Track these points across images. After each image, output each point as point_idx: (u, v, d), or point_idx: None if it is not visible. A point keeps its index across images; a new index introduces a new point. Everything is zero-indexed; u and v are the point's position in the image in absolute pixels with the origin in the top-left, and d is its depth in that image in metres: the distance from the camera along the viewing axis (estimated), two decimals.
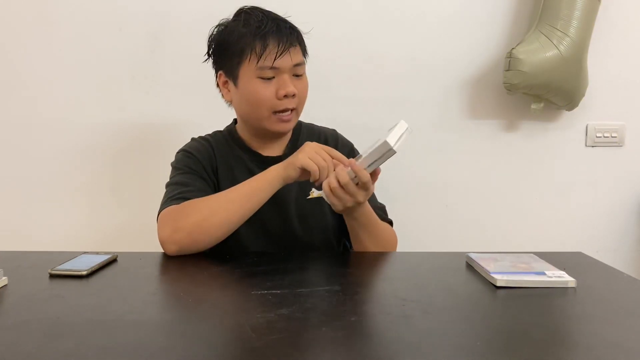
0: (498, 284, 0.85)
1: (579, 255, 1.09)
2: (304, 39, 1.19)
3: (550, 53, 1.61)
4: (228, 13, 1.19)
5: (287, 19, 1.18)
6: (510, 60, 1.64)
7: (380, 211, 1.21)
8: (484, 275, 0.91)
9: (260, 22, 1.12)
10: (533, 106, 1.73)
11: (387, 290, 0.90)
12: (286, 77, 1.11)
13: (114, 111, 1.76)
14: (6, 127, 1.77)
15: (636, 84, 1.80)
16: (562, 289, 0.85)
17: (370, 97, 1.78)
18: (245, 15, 1.15)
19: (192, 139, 1.25)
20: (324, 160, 1.02)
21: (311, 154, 1.02)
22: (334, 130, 1.30)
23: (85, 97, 1.76)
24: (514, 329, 0.71)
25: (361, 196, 1.01)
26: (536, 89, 1.67)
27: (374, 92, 1.78)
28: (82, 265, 0.94)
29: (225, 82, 1.18)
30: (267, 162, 1.14)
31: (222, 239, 1.06)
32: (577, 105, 1.74)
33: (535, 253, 1.02)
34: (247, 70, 1.12)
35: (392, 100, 1.78)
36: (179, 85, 1.75)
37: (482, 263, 0.93)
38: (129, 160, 1.78)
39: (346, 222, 1.12)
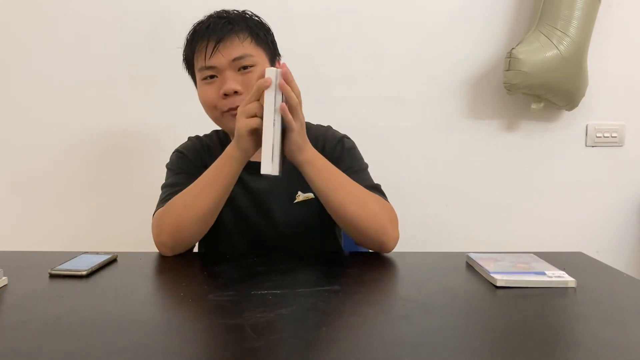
0: (498, 284, 0.85)
1: (579, 255, 1.09)
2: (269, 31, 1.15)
3: (550, 53, 1.61)
4: None
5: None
6: (510, 60, 1.64)
7: (372, 189, 1.11)
8: (484, 275, 0.91)
9: (197, 26, 1.12)
10: (533, 106, 1.73)
11: (387, 290, 0.90)
12: (227, 74, 1.07)
13: (113, 111, 1.76)
14: (6, 127, 1.77)
15: (636, 84, 1.80)
16: (562, 289, 0.85)
17: (370, 97, 1.78)
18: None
19: (189, 138, 1.26)
20: (257, 108, 0.94)
21: (246, 112, 0.95)
22: (327, 127, 1.25)
23: (85, 97, 1.76)
24: (514, 329, 0.71)
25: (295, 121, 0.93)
26: (536, 89, 1.67)
27: (374, 92, 1.78)
28: (82, 265, 0.94)
29: None
30: (254, 167, 1.11)
31: (206, 230, 1.06)
32: (577, 105, 1.74)
33: (535, 253, 1.02)
34: (197, 76, 1.13)
35: (392, 100, 1.78)
36: (178, 85, 1.74)
37: (482, 263, 0.93)
38: (129, 160, 1.78)
39: (308, 180, 1.01)
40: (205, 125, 1.31)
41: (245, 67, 1.09)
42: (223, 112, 1.09)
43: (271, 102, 0.92)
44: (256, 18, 1.15)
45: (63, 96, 1.76)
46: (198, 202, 1.02)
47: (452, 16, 1.76)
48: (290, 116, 0.93)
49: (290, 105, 0.93)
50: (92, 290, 0.86)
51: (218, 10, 1.15)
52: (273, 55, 1.16)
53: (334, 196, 1.01)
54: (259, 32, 1.12)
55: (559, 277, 0.87)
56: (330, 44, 1.74)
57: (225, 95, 1.07)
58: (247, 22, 1.12)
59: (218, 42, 1.07)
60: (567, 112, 1.80)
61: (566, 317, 0.77)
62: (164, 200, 1.10)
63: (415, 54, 1.77)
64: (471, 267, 0.97)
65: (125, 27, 1.73)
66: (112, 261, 1.00)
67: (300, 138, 0.96)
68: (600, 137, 1.82)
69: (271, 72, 0.92)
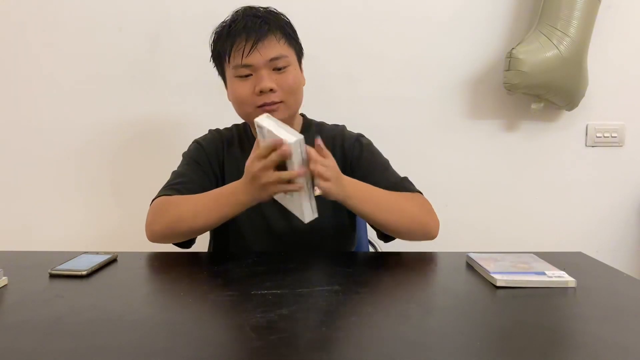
0: (498, 284, 0.85)
1: (579, 255, 1.09)
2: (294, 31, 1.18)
3: (550, 53, 1.61)
4: (228, 13, 1.19)
5: (287, 14, 1.18)
6: (510, 60, 1.64)
7: (401, 185, 1.16)
8: (484, 275, 0.91)
9: (232, 22, 1.13)
10: (533, 106, 1.73)
11: (387, 290, 0.90)
12: (263, 72, 1.10)
13: (114, 111, 1.76)
14: (6, 127, 1.77)
15: (636, 84, 1.80)
16: (562, 289, 0.85)
17: (370, 97, 1.78)
18: (230, 17, 1.16)
19: (209, 130, 1.28)
20: (277, 177, 0.93)
21: (265, 185, 0.94)
22: (342, 127, 1.29)
23: (85, 97, 1.76)
24: (514, 329, 0.71)
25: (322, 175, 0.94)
26: (536, 89, 1.67)
27: (374, 92, 1.78)
28: (82, 265, 0.94)
29: (226, 86, 1.21)
30: None
31: (194, 237, 1.12)
32: (577, 105, 1.74)
33: (535, 253, 1.02)
34: (229, 71, 1.15)
35: (392, 100, 1.78)
36: (178, 85, 1.75)
37: (482, 263, 0.93)
38: (129, 160, 1.78)
39: (354, 211, 1.05)
40: (206, 125, 1.31)
41: (279, 68, 1.12)
42: (256, 107, 1.11)
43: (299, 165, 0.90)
44: (284, 17, 1.17)
45: (63, 96, 1.76)
46: (196, 219, 1.05)
47: (452, 16, 1.76)
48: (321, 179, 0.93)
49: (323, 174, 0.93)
50: (92, 290, 0.86)
51: (245, 6, 1.16)
52: (300, 53, 1.20)
53: (378, 215, 1.07)
54: (290, 31, 1.16)
55: (559, 277, 0.87)
56: (331, 44, 1.74)
57: (261, 92, 1.10)
58: (279, 21, 1.15)
59: (257, 41, 1.09)
60: (567, 112, 1.79)
61: (566, 317, 0.77)
62: (166, 187, 1.14)
63: (415, 54, 1.77)
64: (471, 267, 0.97)
65: (125, 27, 1.73)
66: (112, 261, 1.00)
67: (335, 187, 0.96)
68: (600, 137, 1.82)
69: (296, 145, 0.89)
